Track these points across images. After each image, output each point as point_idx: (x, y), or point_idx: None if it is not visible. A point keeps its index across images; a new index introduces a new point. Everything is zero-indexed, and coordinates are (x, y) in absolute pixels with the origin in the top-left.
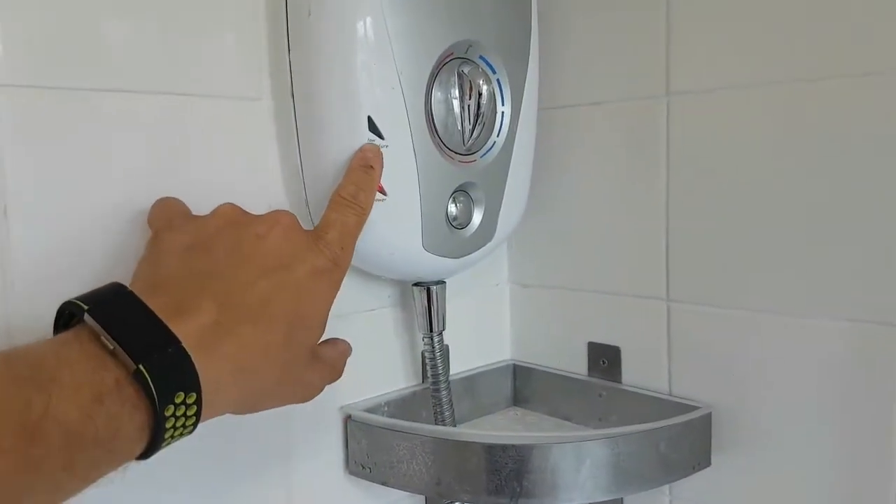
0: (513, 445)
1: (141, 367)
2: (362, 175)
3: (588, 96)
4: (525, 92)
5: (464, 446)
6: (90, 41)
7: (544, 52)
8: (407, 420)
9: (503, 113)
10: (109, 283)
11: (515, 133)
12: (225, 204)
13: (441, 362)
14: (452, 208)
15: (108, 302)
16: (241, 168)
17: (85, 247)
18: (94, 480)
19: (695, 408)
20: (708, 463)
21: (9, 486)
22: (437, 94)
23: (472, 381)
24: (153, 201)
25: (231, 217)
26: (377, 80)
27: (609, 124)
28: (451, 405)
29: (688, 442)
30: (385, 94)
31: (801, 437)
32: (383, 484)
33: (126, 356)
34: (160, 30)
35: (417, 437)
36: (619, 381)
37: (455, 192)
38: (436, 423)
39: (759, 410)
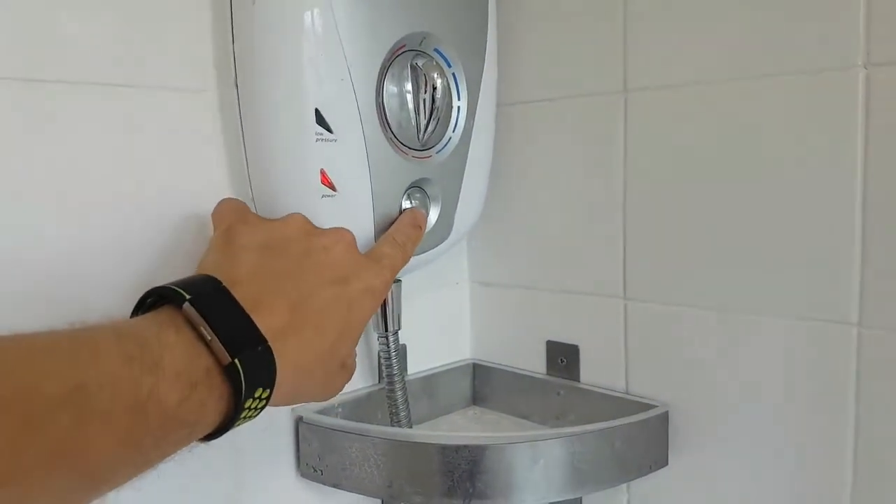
0: (465, 446)
1: (236, 361)
2: (412, 230)
3: (546, 92)
4: (482, 87)
5: (416, 447)
6: (29, 31)
7: (502, 47)
8: (362, 422)
9: (459, 108)
10: (201, 275)
11: (472, 129)
12: (296, 213)
13: (396, 362)
14: (407, 205)
15: (206, 294)
16: (186, 160)
17: (28, 238)
18: (168, 456)
19: (652, 406)
20: (665, 462)
21: (111, 456)
22: (389, 88)
23: (430, 381)
24: (101, 191)
25: (302, 226)
26: (325, 71)
27: (567, 121)
28: (407, 406)
29: (644, 441)
30: (334, 87)
31: (757, 435)
32: (335, 486)
33: (222, 349)
34: (101, 19)
35: (369, 438)
36: (578, 380)
37: (410, 188)
38: (391, 425)
39: (716, 409)
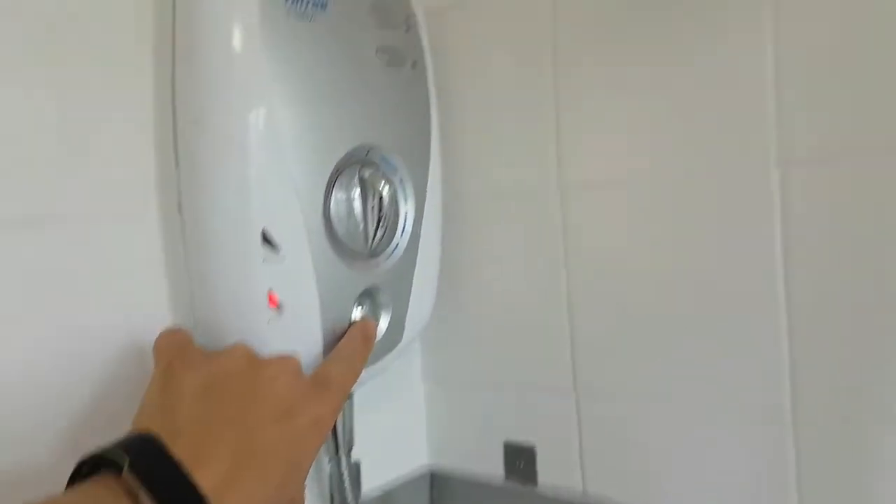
0: None
1: None
2: (362, 343)
3: (489, 189)
4: (428, 190)
5: None
6: None
7: (446, 148)
8: None
9: (406, 212)
10: (138, 434)
11: (420, 231)
12: (238, 345)
13: (350, 485)
14: (357, 314)
15: (145, 456)
16: (127, 288)
17: None
18: None
19: None
20: None
21: None
22: (337, 199)
23: (387, 499)
24: (39, 324)
25: (244, 359)
26: (271, 190)
27: (511, 218)
28: None
29: None
30: (280, 205)
31: None
32: None
33: None
34: (41, 145)
35: None
36: (535, 483)
37: (359, 297)
38: None
39: None
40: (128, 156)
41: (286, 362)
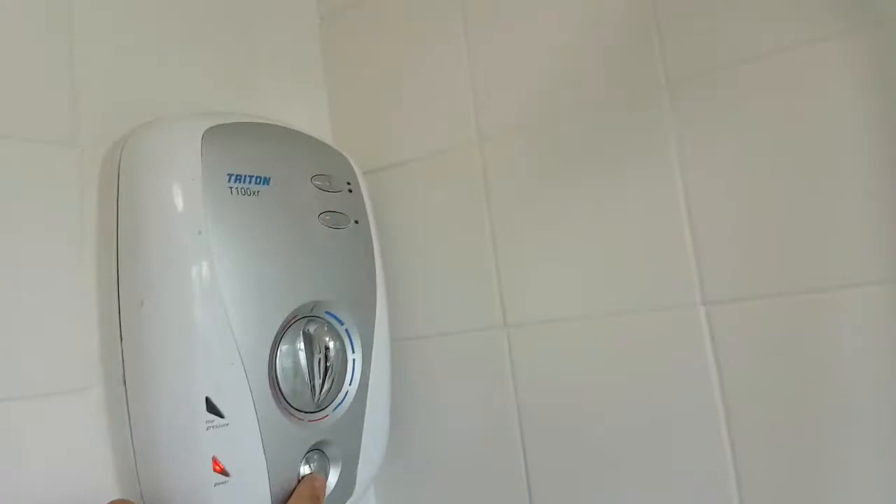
0: None
1: None
2: (310, 502)
3: (437, 332)
4: (375, 335)
5: None
6: None
7: (393, 289)
8: None
9: (354, 360)
10: None
11: (369, 377)
12: None
13: None
14: (306, 470)
15: None
16: (72, 463)
17: None
18: None
19: None
20: None
21: None
22: (282, 358)
23: None
24: None
25: None
26: (215, 359)
27: (458, 358)
28: None
29: None
30: (224, 372)
31: None
32: None
33: None
34: None
35: None
36: None
37: (308, 453)
38: None
39: None
40: (72, 331)
41: None
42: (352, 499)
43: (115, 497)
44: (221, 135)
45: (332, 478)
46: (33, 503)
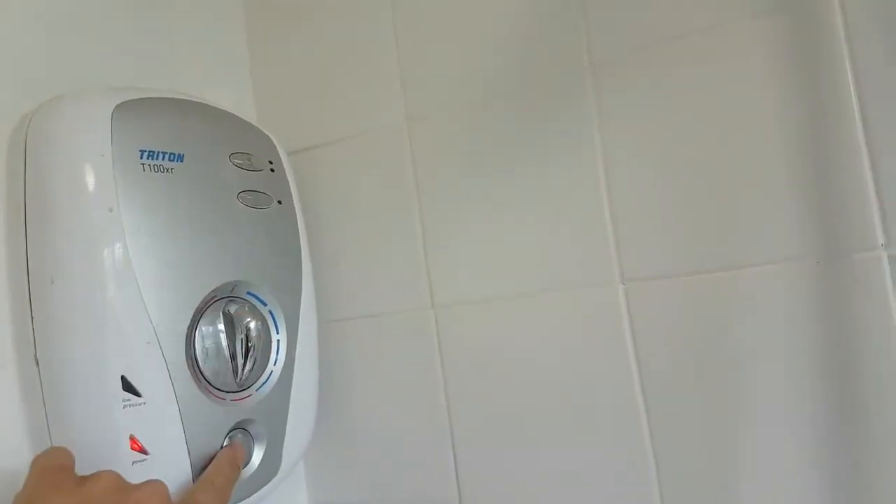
0: None
1: None
2: (229, 469)
3: (365, 313)
4: (301, 315)
5: None
6: None
7: (319, 270)
8: None
9: (278, 341)
10: None
11: (294, 357)
12: (107, 472)
13: None
14: None
15: None
16: None
17: None
18: None
19: None
20: None
21: None
22: (202, 337)
23: None
24: None
25: (112, 486)
26: (129, 338)
27: (387, 339)
28: None
29: None
30: (140, 351)
31: None
32: None
33: None
34: None
35: None
36: None
37: (231, 431)
38: None
39: None
40: None
41: (155, 487)
42: (277, 477)
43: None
44: (133, 110)
45: (257, 457)
46: None
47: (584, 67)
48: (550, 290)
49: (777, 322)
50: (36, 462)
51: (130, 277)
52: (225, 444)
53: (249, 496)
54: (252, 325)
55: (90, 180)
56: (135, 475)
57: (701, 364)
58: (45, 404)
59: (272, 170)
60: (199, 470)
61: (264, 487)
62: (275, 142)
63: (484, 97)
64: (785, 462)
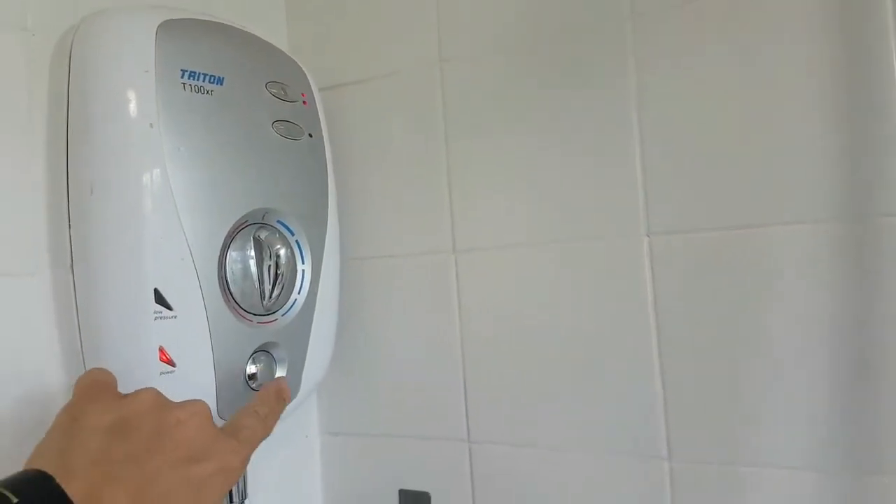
0: None
1: None
2: (276, 403)
3: (386, 251)
4: (325, 249)
5: None
6: None
7: (344, 209)
8: None
9: (303, 271)
10: (32, 471)
11: (317, 289)
12: (148, 388)
13: None
14: (252, 370)
15: (36, 494)
16: (17, 345)
17: None
18: None
19: None
20: None
21: None
22: (232, 260)
23: None
24: None
25: (154, 401)
26: (165, 252)
27: (407, 277)
28: None
29: None
30: (174, 266)
31: None
32: None
33: None
34: None
35: None
36: None
37: (255, 352)
38: None
39: None
40: (20, 216)
41: (197, 406)
42: (296, 400)
43: (61, 384)
44: (176, 29)
45: (280, 376)
46: None
47: (625, 16)
48: (574, 240)
49: (799, 281)
50: (79, 381)
51: (168, 193)
52: (249, 365)
53: None
54: (282, 252)
55: (133, 94)
56: (161, 386)
57: (720, 319)
58: (77, 312)
59: (304, 102)
60: (224, 387)
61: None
62: (308, 75)
63: (519, 41)
64: (796, 415)
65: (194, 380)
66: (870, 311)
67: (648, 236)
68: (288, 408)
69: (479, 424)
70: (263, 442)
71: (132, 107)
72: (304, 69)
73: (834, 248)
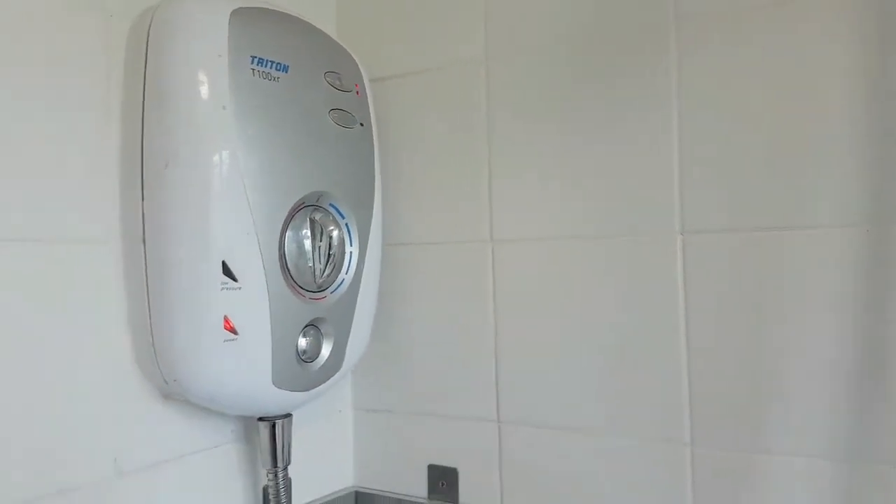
0: None
1: None
2: None
3: (426, 237)
4: (370, 233)
5: None
6: None
7: (387, 197)
8: None
9: (351, 253)
10: None
11: (362, 270)
12: None
13: (285, 498)
14: (302, 343)
15: None
16: (87, 310)
17: None
18: None
19: None
20: None
21: None
22: (290, 239)
23: None
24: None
25: None
26: (232, 228)
27: (444, 262)
28: None
29: None
30: (240, 240)
31: None
32: None
33: None
34: (7, 170)
35: None
36: (457, 502)
37: (305, 327)
38: None
39: None
40: (95, 187)
41: None
42: (340, 372)
43: (126, 348)
44: (247, 16)
45: (325, 350)
46: (49, 347)
47: (668, 20)
48: (610, 234)
49: (825, 282)
50: None
51: (237, 172)
52: (300, 339)
53: (318, 385)
54: (334, 234)
55: (208, 77)
56: (224, 353)
57: (747, 315)
58: (147, 280)
59: (357, 92)
60: (278, 358)
61: (330, 380)
62: (360, 66)
63: (563, 40)
64: (816, 406)
65: (253, 349)
66: (893, 310)
67: (682, 234)
68: (329, 382)
69: (509, 406)
70: (302, 414)
71: (207, 89)
72: (356, 60)
73: (858, 251)
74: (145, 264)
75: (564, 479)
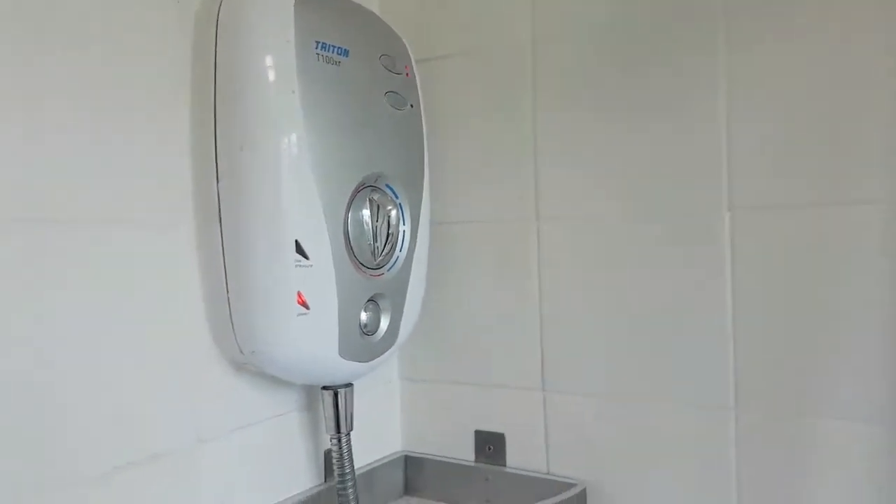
0: None
1: None
2: None
3: (472, 215)
4: (421, 213)
5: None
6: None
7: (434, 178)
8: None
9: (404, 231)
10: None
11: (414, 248)
12: None
13: (348, 461)
14: (364, 317)
15: None
16: (167, 288)
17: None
18: None
19: (571, 485)
20: None
21: None
22: (353, 218)
23: (367, 476)
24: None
25: None
26: (303, 208)
27: (490, 239)
28: (357, 501)
29: None
30: (311, 221)
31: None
32: None
33: None
34: (89, 166)
35: None
36: (504, 465)
37: (367, 302)
38: None
39: (626, 485)
40: (169, 168)
41: None
42: (394, 346)
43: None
44: (311, 2)
45: (384, 324)
46: (133, 324)
47: (717, 6)
48: (655, 211)
49: (875, 255)
50: None
51: (306, 154)
52: (362, 314)
53: (378, 356)
54: (392, 213)
55: (277, 62)
56: (297, 326)
57: (795, 286)
58: (224, 257)
59: (407, 74)
60: (343, 331)
61: (387, 352)
62: (409, 48)
63: (612, 24)
64: (865, 370)
65: (323, 323)
66: None
67: (730, 211)
68: (386, 354)
69: (554, 375)
70: (355, 385)
71: (277, 74)
72: (405, 42)
73: None
74: (222, 243)
75: (609, 444)
